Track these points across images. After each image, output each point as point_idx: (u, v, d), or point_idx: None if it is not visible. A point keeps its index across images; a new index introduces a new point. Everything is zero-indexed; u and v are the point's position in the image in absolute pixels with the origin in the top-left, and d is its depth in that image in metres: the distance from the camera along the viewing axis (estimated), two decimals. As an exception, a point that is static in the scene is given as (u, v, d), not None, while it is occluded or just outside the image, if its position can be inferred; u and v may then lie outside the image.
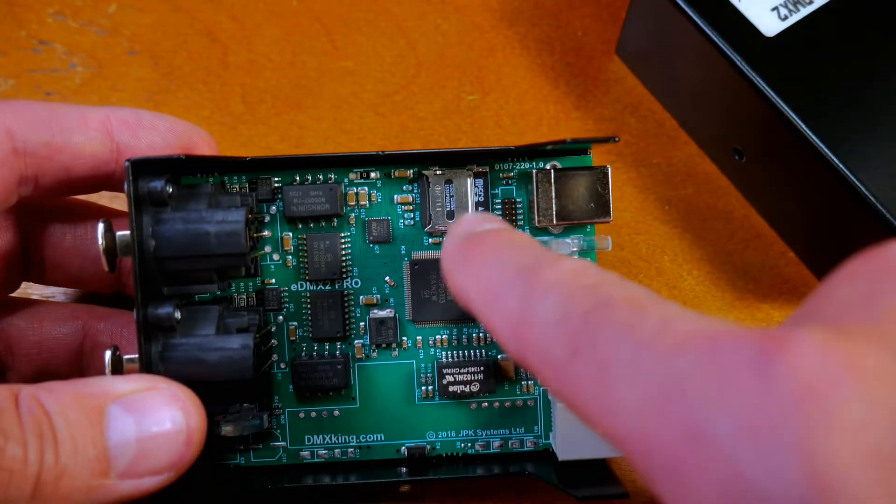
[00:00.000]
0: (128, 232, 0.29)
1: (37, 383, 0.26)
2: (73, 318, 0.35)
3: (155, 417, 0.26)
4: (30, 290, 0.39)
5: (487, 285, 0.25)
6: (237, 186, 0.35)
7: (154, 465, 0.26)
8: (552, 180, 0.34)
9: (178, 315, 0.30)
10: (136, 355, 0.29)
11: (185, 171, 0.33)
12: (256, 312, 0.34)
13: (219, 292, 0.34)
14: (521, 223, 0.35)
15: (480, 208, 0.35)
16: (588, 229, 0.35)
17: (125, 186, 0.29)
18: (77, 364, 0.35)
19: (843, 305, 0.20)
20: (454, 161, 0.35)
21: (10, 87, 0.41)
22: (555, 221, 0.34)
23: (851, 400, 0.16)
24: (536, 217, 0.34)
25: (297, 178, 0.35)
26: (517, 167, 0.35)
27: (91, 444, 0.25)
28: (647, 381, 0.19)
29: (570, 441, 0.33)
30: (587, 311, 0.21)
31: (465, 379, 0.35)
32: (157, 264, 0.30)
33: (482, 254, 0.26)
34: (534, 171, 0.34)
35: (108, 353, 0.29)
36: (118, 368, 0.29)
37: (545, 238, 0.35)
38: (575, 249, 0.34)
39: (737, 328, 0.19)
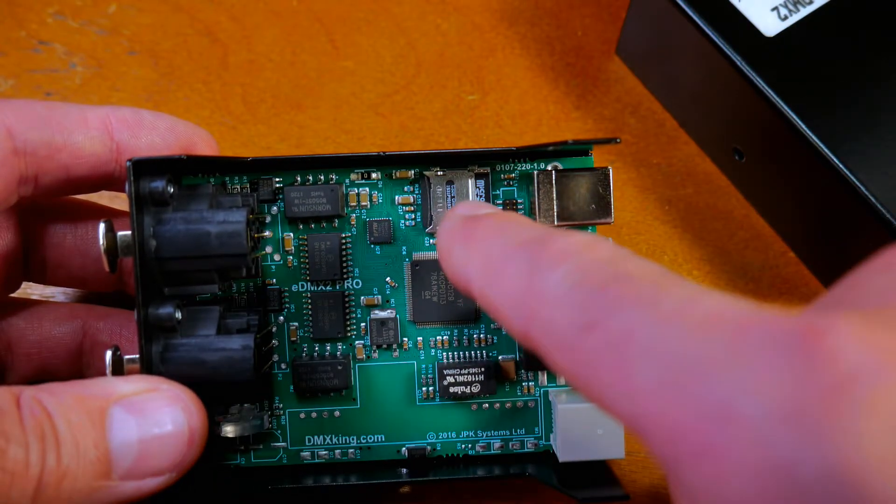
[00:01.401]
0: (129, 232, 0.29)
1: (38, 385, 0.26)
2: (72, 317, 0.35)
3: (156, 418, 0.27)
4: (30, 290, 0.39)
5: (489, 259, 0.24)
6: (238, 187, 0.35)
7: (156, 466, 0.26)
8: (553, 181, 0.34)
9: (178, 315, 0.30)
10: (137, 356, 0.29)
11: (186, 171, 0.33)
12: (257, 313, 0.34)
13: (220, 293, 0.34)
14: (521, 224, 0.35)
15: (481, 209, 0.35)
16: (588, 229, 0.35)
17: (126, 186, 0.29)
18: (77, 363, 0.35)
19: (879, 294, 0.19)
20: (455, 162, 0.35)
21: (10, 87, 0.41)
22: (556, 222, 0.34)
23: (892, 389, 0.16)
24: (538, 218, 0.34)
25: (298, 179, 0.35)
26: (518, 168, 0.35)
27: (93, 446, 0.25)
28: (670, 360, 0.18)
29: (571, 442, 0.33)
30: (604, 284, 0.21)
31: (465, 380, 0.35)
32: (158, 264, 0.30)
33: (483, 231, 0.25)
34: (535, 172, 0.34)
35: (108, 354, 0.29)
36: (119, 369, 0.29)
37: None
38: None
39: (764, 311, 0.18)
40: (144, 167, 0.29)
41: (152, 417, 0.26)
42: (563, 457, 0.33)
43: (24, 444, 0.24)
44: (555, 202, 0.34)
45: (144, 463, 0.26)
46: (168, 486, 0.27)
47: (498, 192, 0.35)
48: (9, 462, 0.23)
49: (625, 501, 0.32)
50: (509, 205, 0.35)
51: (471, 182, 0.35)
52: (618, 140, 0.32)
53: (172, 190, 0.30)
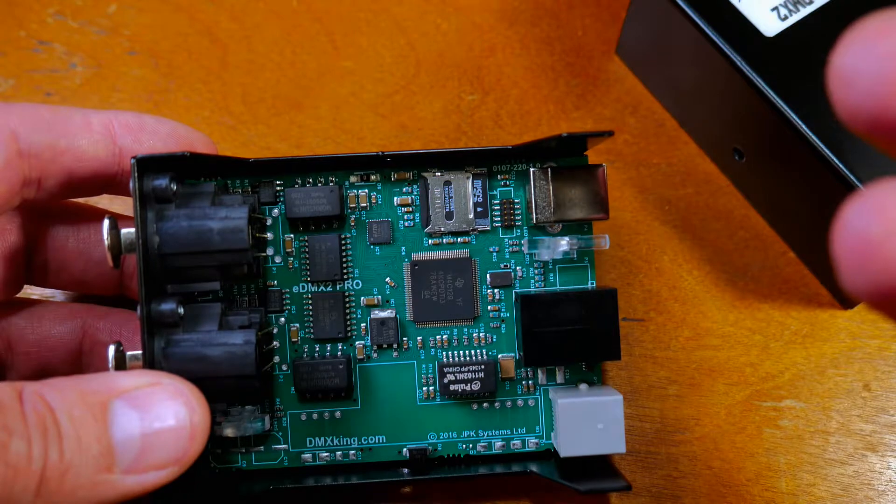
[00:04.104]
0: (132, 229, 0.30)
1: (41, 380, 0.26)
2: (72, 316, 0.36)
3: (159, 413, 0.27)
4: (29, 289, 0.40)
5: None
6: (240, 190, 0.35)
7: (158, 461, 0.27)
8: (549, 178, 0.34)
9: (181, 311, 0.30)
10: (139, 351, 0.30)
11: (188, 173, 0.34)
12: (258, 312, 0.34)
13: (221, 293, 0.34)
14: (519, 223, 0.36)
15: (479, 209, 0.36)
16: (585, 227, 0.36)
17: (131, 184, 0.30)
18: (76, 363, 0.36)
19: None
20: (453, 161, 0.36)
21: (10, 87, 0.42)
22: (552, 218, 0.35)
23: None
24: (534, 215, 0.35)
25: (299, 182, 0.36)
26: (515, 168, 0.36)
27: (95, 440, 0.25)
28: None
29: (572, 438, 0.34)
30: None
31: (465, 378, 0.35)
32: (161, 261, 0.30)
33: None
34: (531, 169, 0.35)
35: (111, 348, 0.30)
36: (121, 364, 0.30)
37: (542, 237, 0.36)
38: (573, 247, 0.35)
39: None
40: (148, 165, 0.30)
41: (154, 412, 0.27)
42: (564, 452, 0.34)
43: (27, 439, 0.24)
44: (551, 199, 0.35)
45: (147, 457, 0.26)
46: (170, 481, 0.27)
47: (495, 192, 0.36)
48: (11, 456, 0.24)
49: (626, 492, 0.33)
50: (506, 204, 0.36)
51: (468, 182, 0.36)
52: (611, 133, 0.32)
53: (175, 187, 0.31)
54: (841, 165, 0.34)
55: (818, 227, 0.39)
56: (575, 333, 0.34)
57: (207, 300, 0.34)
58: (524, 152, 0.36)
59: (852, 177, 0.34)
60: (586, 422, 0.34)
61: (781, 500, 0.38)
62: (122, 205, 0.40)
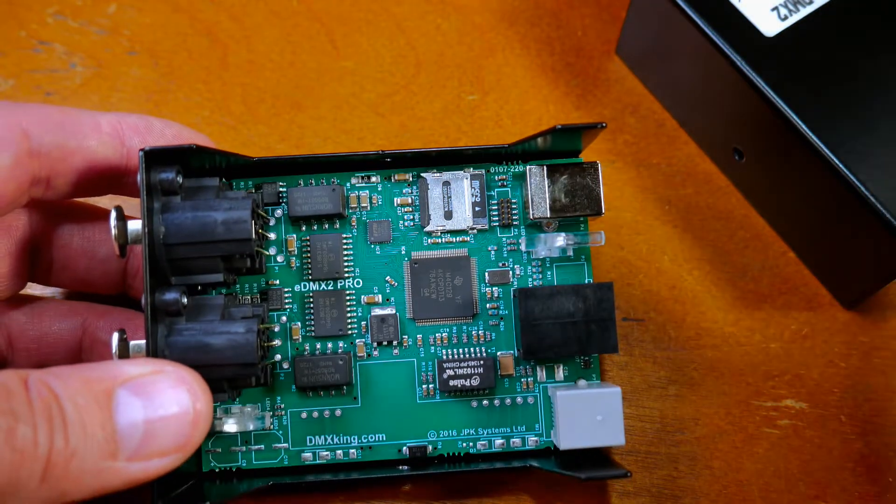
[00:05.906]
0: (138, 221, 0.31)
1: (45, 368, 0.27)
2: (72, 314, 0.37)
3: (162, 400, 0.28)
4: (31, 287, 0.41)
5: None
6: (244, 192, 0.37)
7: (161, 447, 0.28)
8: (545, 175, 0.36)
9: (184, 301, 0.31)
10: (142, 341, 0.31)
11: (193, 174, 0.35)
12: (260, 307, 0.35)
13: (224, 290, 0.36)
14: (516, 221, 0.38)
15: (477, 208, 0.37)
16: (582, 225, 0.38)
17: (138, 175, 0.31)
18: (76, 360, 0.37)
19: None
20: (451, 160, 0.37)
21: (10, 87, 0.44)
22: (548, 215, 0.36)
23: None
24: (531, 212, 0.36)
25: (301, 182, 0.37)
26: (512, 169, 0.38)
27: (100, 427, 0.26)
28: None
29: (572, 430, 0.35)
30: None
31: (465, 373, 0.36)
32: (165, 251, 0.31)
33: None
34: (528, 167, 0.36)
35: (115, 336, 0.31)
36: (125, 352, 0.31)
37: (539, 234, 0.37)
38: (570, 244, 0.36)
39: None
40: (155, 158, 0.31)
41: (158, 399, 0.28)
42: (563, 444, 0.35)
43: (33, 425, 0.25)
44: (547, 195, 0.36)
45: (150, 444, 0.27)
46: (173, 469, 0.28)
47: (493, 192, 0.38)
48: (18, 441, 0.24)
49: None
50: (504, 204, 0.38)
51: (466, 183, 0.37)
52: (604, 125, 0.33)
53: (181, 181, 0.32)
54: (841, 165, 0.35)
55: (818, 227, 0.40)
56: (572, 326, 0.35)
57: (211, 296, 0.35)
58: (521, 154, 0.37)
59: (852, 177, 0.35)
60: (585, 414, 0.35)
61: (781, 499, 0.39)
62: (125, 205, 0.40)
